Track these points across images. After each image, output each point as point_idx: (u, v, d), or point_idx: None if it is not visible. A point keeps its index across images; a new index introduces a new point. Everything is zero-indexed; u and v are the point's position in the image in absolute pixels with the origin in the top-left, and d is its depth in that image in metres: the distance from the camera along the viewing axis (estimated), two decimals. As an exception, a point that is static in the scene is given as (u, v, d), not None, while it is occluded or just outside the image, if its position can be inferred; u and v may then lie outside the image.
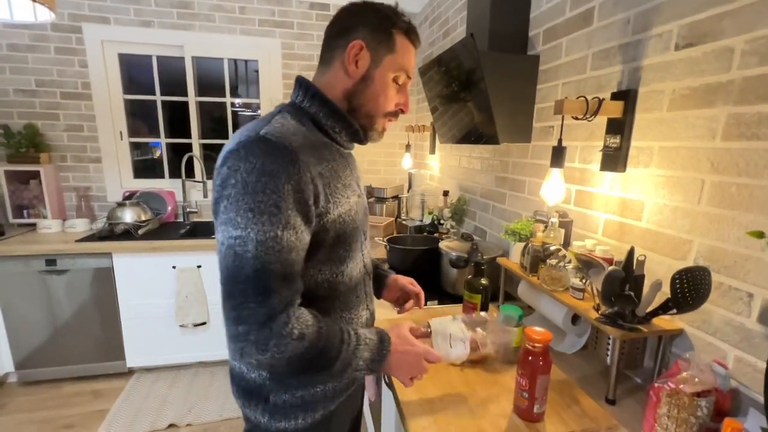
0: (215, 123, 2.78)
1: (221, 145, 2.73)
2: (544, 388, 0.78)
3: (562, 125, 1.00)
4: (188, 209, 2.60)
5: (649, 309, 0.82)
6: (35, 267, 2.03)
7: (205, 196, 2.57)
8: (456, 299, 1.44)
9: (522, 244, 1.26)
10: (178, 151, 2.69)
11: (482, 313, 1.00)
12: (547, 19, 1.31)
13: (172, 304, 2.19)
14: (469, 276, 1.14)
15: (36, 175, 2.31)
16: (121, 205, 2.26)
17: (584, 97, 0.97)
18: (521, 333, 1.01)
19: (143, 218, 2.30)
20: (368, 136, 0.76)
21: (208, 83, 2.66)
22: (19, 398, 2.07)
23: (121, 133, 2.54)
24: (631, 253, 0.83)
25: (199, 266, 2.19)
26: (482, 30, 1.39)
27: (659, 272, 0.90)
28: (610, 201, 1.07)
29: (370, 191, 2.69)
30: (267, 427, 0.72)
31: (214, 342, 2.29)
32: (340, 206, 0.67)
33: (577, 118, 1.00)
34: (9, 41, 2.27)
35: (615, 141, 1.01)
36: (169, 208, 2.57)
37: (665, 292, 0.79)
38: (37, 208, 2.37)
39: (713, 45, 0.79)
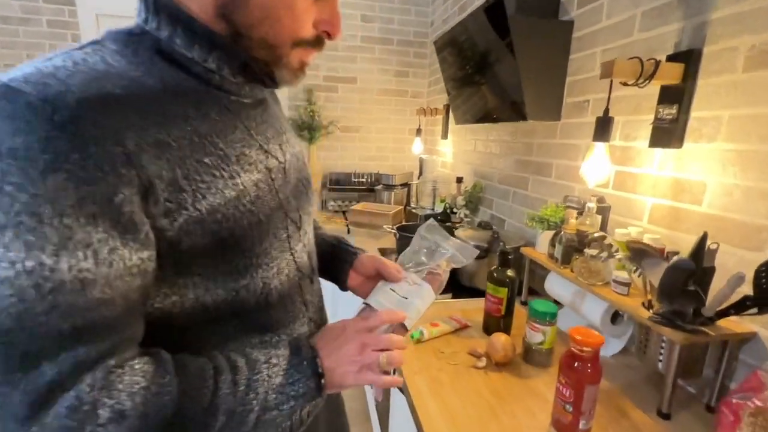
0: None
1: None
2: (593, 401, 0.65)
3: (610, 91, 0.86)
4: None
5: (721, 307, 0.68)
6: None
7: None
8: (474, 293, 1.31)
9: (550, 233, 1.13)
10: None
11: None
12: (584, -21, 1.16)
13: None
14: (493, 267, 1.01)
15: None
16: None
17: (638, 57, 0.82)
18: (554, 332, 0.87)
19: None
20: (268, 73, 0.47)
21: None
22: None
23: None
24: (702, 240, 0.68)
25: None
26: (509, -8, 1.23)
27: (728, 264, 0.76)
28: (660, 183, 0.92)
29: (377, 178, 2.55)
30: None
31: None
32: (216, 194, 0.41)
33: (626, 84, 0.86)
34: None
35: (670, 112, 0.86)
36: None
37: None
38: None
39: (813, -15, 0.64)
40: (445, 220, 1.92)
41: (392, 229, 1.65)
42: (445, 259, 0.67)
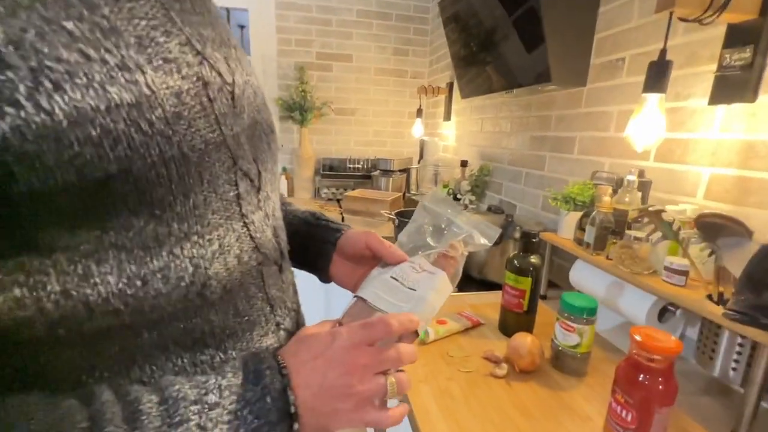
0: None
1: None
2: (663, 429, 0.48)
3: (669, 26, 0.68)
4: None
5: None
6: None
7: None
8: (487, 285, 1.14)
9: (577, 215, 0.95)
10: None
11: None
12: None
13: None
14: (513, 253, 0.83)
15: None
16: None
17: (706, -18, 0.64)
18: (593, 332, 0.70)
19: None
20: None
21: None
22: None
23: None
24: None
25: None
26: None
27: (829, 246, 0.58)
28: (722, 148, 0.75)
29: (374, 164, 2.37)
30: None
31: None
32: (88, 89, 0.23)
33: (686, 20, 0.68)
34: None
35: (743, 56, 0.68)
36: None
37: None
38: None
39: None
40: (449, 207, 1.75)
41: (390, 214, 1.47)
42: (460, 239, 0.48)
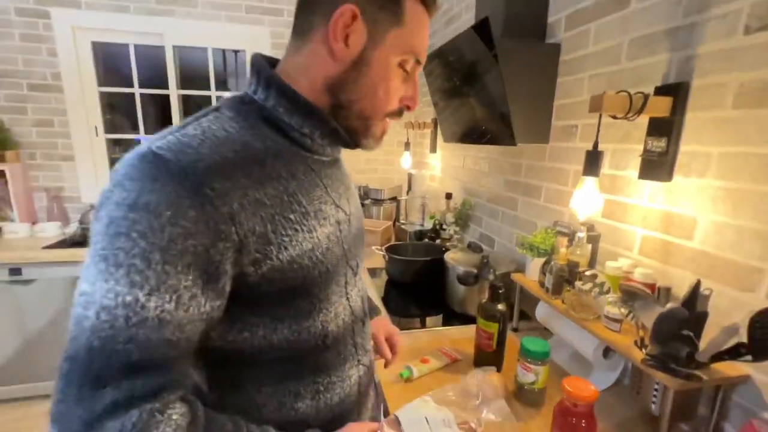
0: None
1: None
2: (587, 456, 0.63)
3: (599, 125, 0.84)
4: (171, 211, 2.41)
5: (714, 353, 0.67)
6: (-2, 277, 1.84)
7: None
8: (464, 319, 1.29)
9: (541, 260, 1.11)
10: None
11: (472, 375, 0.78)
12: (570, 3, 1.15)
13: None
14: (484, 300, 0.98)
15: (1, 174, 2.12)
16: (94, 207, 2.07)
17: (626, 92, 0.81)
18: (547, 372, 0.85)
19: (120, 222, 2.11)
20: (359, 142, 0.55)
21: (194, 74, 2.46)
22: (-18, 420, 1.89)
23: (96, 128, 2.34)
24: (696, 288, 0.67)
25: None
26: (496, 13, 1.22)
27: (721, 304, 0.75)
28: (651, 215, 0.91)
29: (366, 192, 2.52)
30: None
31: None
32: (296, 246, 0.47)
33: (615, 117, 0.84)
34: (-32, 27, 2.06)
35: (659, 144, 0.85)
36: (150, 209, 2.39)
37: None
38: (3, 210, 2.17)
39: (802, 27, 0.63)
40: (435, 236, 1.90)
41: (381, 250, 1.62)
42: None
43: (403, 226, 2.14)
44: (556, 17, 1.21)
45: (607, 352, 0.92)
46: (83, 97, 2.26)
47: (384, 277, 1.65)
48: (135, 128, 2.46)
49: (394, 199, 2.40)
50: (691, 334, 0.67)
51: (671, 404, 0.71)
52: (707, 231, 0.78)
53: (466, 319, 1.29)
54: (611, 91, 0.83)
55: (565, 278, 0.98)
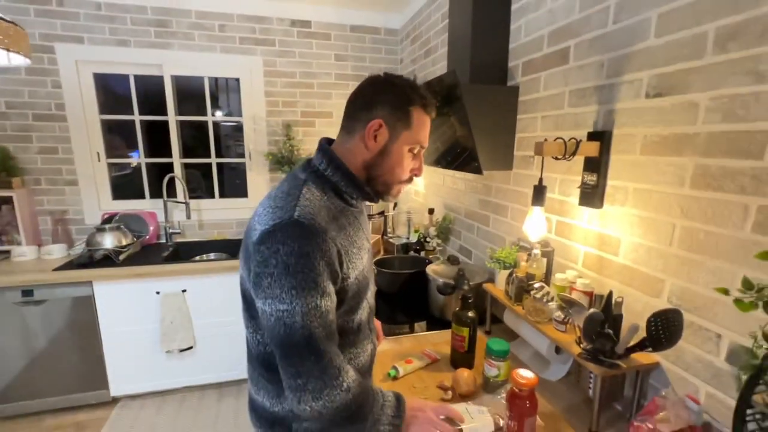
0: (196, 136, 2.74)
1: (205, 165, 2.71)
2: (531, 429, 0.82)
3: (542, 166, 1.04)
4: (171, 230, 2.55)
5: (628, 346, 0.86)
6: (10, 298, 1.96)
7: (188, 217, 2.53)
8: (444, 324, 1.47)
9: (506, 272, 1.30)
10: (159, 170, 2.64)
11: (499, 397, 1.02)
12: (525, 52, 1.36)
13: (157, 329, 2.14)
14: (457, 308, 1.17)
15: (8, 200, 2.23)
16: (100, 230, 2.20)
17: (562, 138, 1.01)
18: (507, 366, 1.04)
19: (124, 243, 2.24)
20: (383, 198, 0.85)
21: (189, 95, 2.61)
22: (-4, 435, 1.99)
23: (98, 154, 2.47)
24: (609, 296, 0.87)
25: (183, 290, 2.15)
26: (463, 62, 1.42)
27: (636, 308, 0.95)
28: (589, 235, 1.11)
29: (355, 207, 2.69)
30: None
31: (201, 366, 2.26)
32: (356, 269, 0.76)
33: (556, 158, 1.04)
34: (-24, 62, 2.18)
35: (592, 179, 1.05)
36: (151, 228, 2.52)
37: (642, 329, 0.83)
38: (10, 234, 2.28)
39: (680, 98, 0.83)
40: (420, 248, 2.09)
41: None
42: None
43: (390, 239, 2.32)
44: (515, 62, 1.42)
45: (559, 349, 1.12)
46: (86, 124, 2.39)
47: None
48: (131, 148, 2.60)
49: (382, 213, 2.58)
50: (611, 332, 0.87)
51: (601, 388, 0.90)
52: (628, 249, 0.98)
53: (446, 325, 1.46)
54: (557, 132, 1.03)
55: (525, 288, 1.17)
